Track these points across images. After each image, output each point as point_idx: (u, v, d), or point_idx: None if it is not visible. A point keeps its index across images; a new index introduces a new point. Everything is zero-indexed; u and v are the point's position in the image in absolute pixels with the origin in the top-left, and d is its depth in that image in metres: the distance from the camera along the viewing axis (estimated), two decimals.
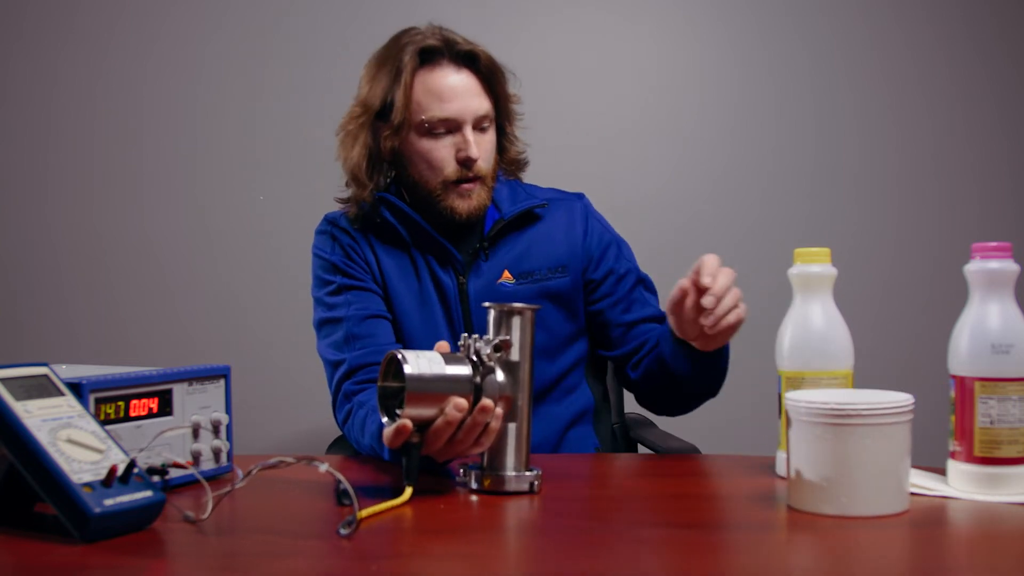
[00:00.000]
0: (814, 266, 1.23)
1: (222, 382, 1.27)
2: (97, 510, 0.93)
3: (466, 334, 1.18)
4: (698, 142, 2.46)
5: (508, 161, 1.64)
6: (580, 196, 1.68)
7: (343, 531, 0.96)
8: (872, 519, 1.03)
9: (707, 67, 2.48)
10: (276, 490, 1.18)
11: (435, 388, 1.12)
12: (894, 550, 0.96)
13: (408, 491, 1.10)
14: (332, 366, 1.53)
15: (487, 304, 1.20)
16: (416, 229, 1.56)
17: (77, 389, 1.07)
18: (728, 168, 2.46)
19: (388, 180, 1.60)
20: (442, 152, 1.52)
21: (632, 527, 1.06)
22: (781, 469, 1.22)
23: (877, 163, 2.46)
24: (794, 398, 1.08)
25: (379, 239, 1.59)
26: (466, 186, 1.53)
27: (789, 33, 2.47)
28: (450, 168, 1.52)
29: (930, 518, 1.05)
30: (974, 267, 1.15)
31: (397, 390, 1.14)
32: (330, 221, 1.65)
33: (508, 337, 1.17)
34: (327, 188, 2.43)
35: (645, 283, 1.64)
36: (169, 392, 1.19)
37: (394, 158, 1.57)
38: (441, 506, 1.12)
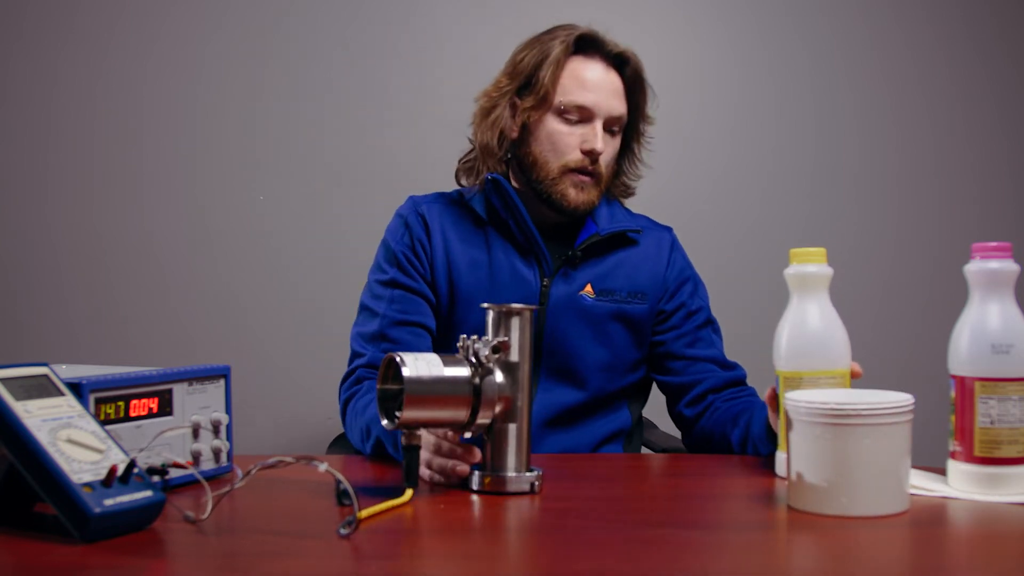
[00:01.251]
0: (810, 266, 1.23)
1: (222, 382, 1.27)
2: (97, 510, 0.93)
3: (464, 335, 1.18)
4: (698, 142, 2.46)
5: (619, 184, 1.67)
6: (669, 229, 1.71)
7: (343, 531, 0.96)
8: (872, 519, 1.03)
9: (707, 67, 2.48)
10: (276, 490, 1.18)
11: (434, 390, 1.13)
12: (894, 550, 0.96)
13: (408, 492, 1.10)
14: (354, 355, 1.56)
15: (485, 305, 1.20)
16: (517, 221, 1.57)
17: (77, 389, 1.07)
18: (728, 168, 2.46)
19: (507, 158, 1.61)
20: (569, 139, 1.55)
21: (632, 527, 1.06)
22: (781, 469, 1.22)
23: (877, 163, 2.46)
24: (794, 398, 1.08)
25: (457, 228, 1.60)
26: (583, 177, 1.55)
27: (789, 33, 2.47)
28: (573, 156, 1.55)
29: (930, 518, 1.05)
30: (974, 267, 1.15)
31: (396, 392, 1.14)
32: (412, 205, 1.65)
33: (507, 338, 1.17)
34: (327, 188, 2.44)
35: (713, 325, 1.65)
36: (169, 392, 1.19)
37: (521, 135, 1.59)
38: (441, 506, 1.12)
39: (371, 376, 1.52)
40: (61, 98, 2.45)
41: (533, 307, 1.19)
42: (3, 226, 2.45)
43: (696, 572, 0.91)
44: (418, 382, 1.11)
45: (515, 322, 1.18)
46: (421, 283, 1.58)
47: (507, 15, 2.36)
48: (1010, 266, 1.14)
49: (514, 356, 1.17)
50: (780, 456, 1.23)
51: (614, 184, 1.66)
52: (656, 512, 1.14)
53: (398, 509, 1.07)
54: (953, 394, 1.14)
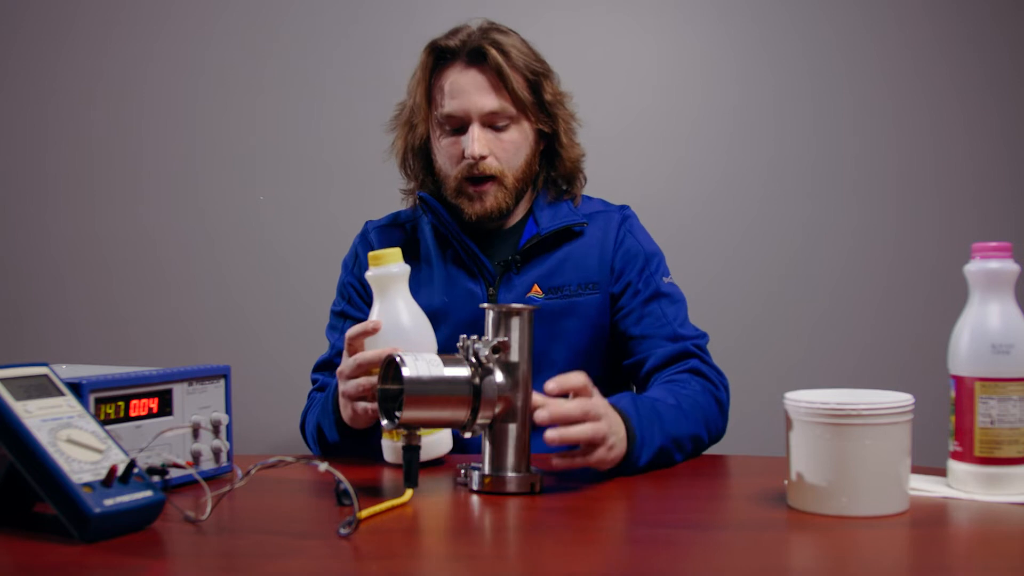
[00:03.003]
0: (393, 266, 1.29)
1: (222, 382, 1.27)
2: (97, 510, 0.93)
3: (464, 335, 1.18)
4: (698, 142, 2.46)
5: (562, 172, 1.64)
6: (622, 208, 1.68)
7: (343, 531, 0.96)
8: (872, 519, 1.03)
9: (707, 67, 2.48)
10: (276, 490, 1.18)
11: (434, 390, 1.13)
12: (894, 550, 0.96)
13: (408, 492, 1.10)
14: (312, 382, 1.63)
15: (485, 305, 1.20)
16: (451, 234, 1.58)
17: (77, 389, 1.07)
18: (728, 168, 2.46)
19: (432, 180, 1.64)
20: (453, 150, 1.55)
21: (632, 527, 1.06)
22: (387, 455, 1.31)
23: (877, 163, 2.46)
24: (794, 398, 1.08)
25: (408, 248, 1.61)
26: (475, 188, 1.54)
27: (789, 33, 2.47)
28: (460, 166, 1.54)
29: (930, 518, 1.05)
30: (974, 267, 1.15)
31: (396, 392, 1.14)
32: (364, 232, 1.70)
33: (506, 338, 1.17)
34: (327, 188, 2.44)
35: (669, 297, 1.59)
36: (169, 392, 1.19)
37: (429, 154, 1.62)
38: (441, 506, 1.12)
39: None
40: (61, 97, 2.44)
41: (533, 307, 1.20)
42: (3, 226, 2.45)
43: (696, 572, 0.91)
44: (418, 382, 1.11)
45: (515, 322, 1.18)
46: (368, 313, 1.60)
47: (506, 16, 2.36)
48: (1010, 266, 1.14)
49: (514, 356, 1.17)
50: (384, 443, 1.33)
51: (557, 177, 1.64)
52: (656, 512, 1.14)
53: (398, 509, 1.08)
54: (953, 394, 1.14)
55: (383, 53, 2.44)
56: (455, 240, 1.58)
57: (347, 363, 1.27)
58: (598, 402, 1.21)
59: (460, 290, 1.58)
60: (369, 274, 1.30)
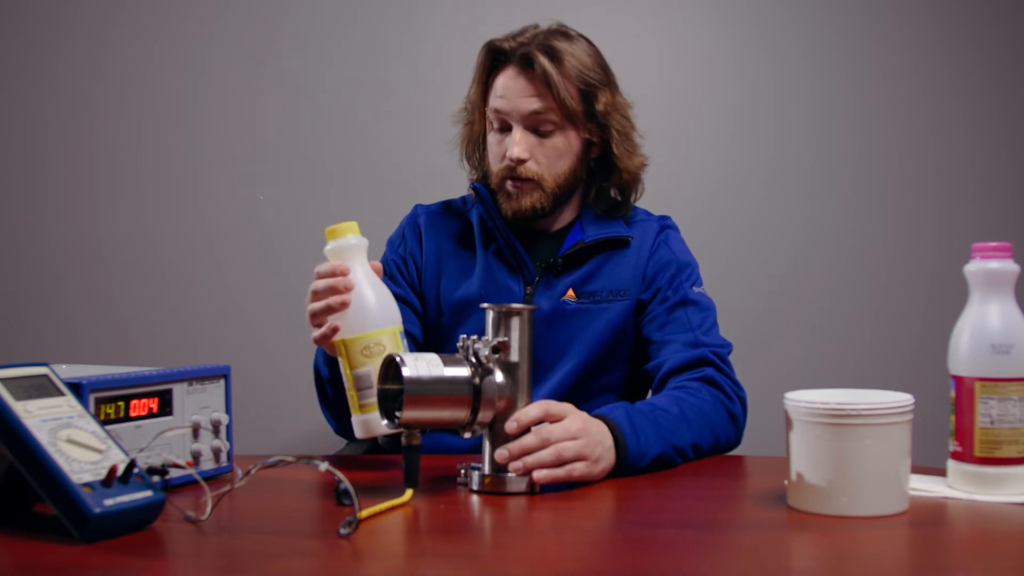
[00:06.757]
0: (351, 238, 1.28)
1: (222, 382, 1.27)
2: (97, 510, 0.93)
3: (464, 335, 1.18)
4: (698, 143, 2.46)
5: (616, 182, 1.63)
6: (662, 219, 1.69)
7: (343, 531, 0.96)
8: (872, 519, 1.03)
9: (707, 67, 2.48)
10: (276, 490, 1.18)
11: (434, 390, 1.13)
12: (894, 550, 0.96)
13: (408, 492, 1.10)
14: None
15: (485, 305, 1.20)
16: (497, 229, 1.59)
17: (77, 389, 1.07)
18: (728, 168, 2.46)
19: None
20: (498, 148, 1.58)
21: (632, 527, 1.06)
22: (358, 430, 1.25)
23: (877, 163, 2.46)
24: (794, 398, 1.08)
25: (452, 238, 1.64)
26: (514, 185, 1.55)
27: (789, 33, 2.47)
28: (502, 164, 1.56)
29: (930, 518, 1.05)
30: (974, 267, 1.15)
31: (396, 392, 1.14)
32: (414, 214, 1.71)
33: (506, 338, 1.17)
34: (327, 188, 2.44)
35: (698, 305, 1.58)
36: (169, 392, 1.19)
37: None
38: (441, 506, 1.12)
39: None
40: (61, 97, 2.44)
41: (533, 307, 1.20)
42: (3, 226, 2.45)
43: (696, 572, 0.91)
44: (418, 382, 1.11)
45: (515, 322, 1.18)
46: (408, 292, 1.63)
47: (507, 16, 2.36)
48: (1010, 266, 1.14)
49: (514, 356, 1.17)
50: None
51: (607, 186, 1.64)
52: (656, 512, 1.14)
53: (398, 509, 1.08)
54: (953, 394, 1.14)
55: (383, 53, 2.44)
56: (500, 236, 1.59)
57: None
58: (569, 424, 1.20)
59: (498, 284, 1.59)
60: (327, 248, 1.28)
